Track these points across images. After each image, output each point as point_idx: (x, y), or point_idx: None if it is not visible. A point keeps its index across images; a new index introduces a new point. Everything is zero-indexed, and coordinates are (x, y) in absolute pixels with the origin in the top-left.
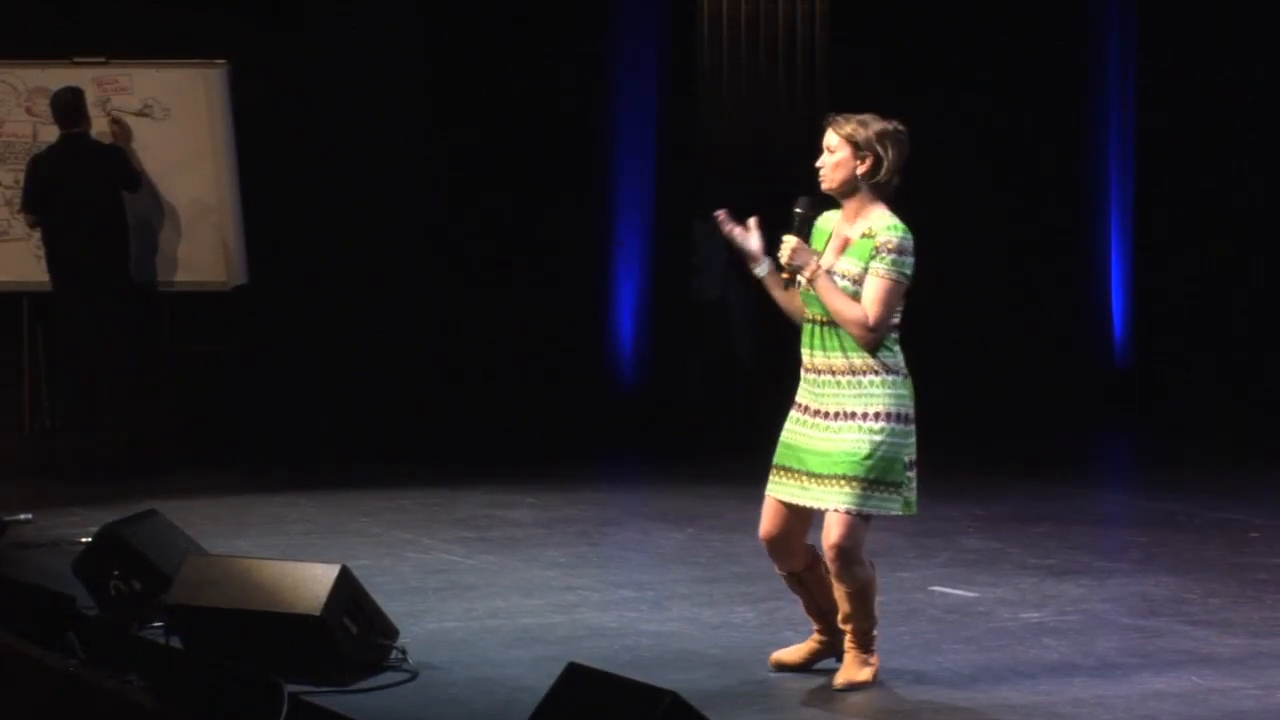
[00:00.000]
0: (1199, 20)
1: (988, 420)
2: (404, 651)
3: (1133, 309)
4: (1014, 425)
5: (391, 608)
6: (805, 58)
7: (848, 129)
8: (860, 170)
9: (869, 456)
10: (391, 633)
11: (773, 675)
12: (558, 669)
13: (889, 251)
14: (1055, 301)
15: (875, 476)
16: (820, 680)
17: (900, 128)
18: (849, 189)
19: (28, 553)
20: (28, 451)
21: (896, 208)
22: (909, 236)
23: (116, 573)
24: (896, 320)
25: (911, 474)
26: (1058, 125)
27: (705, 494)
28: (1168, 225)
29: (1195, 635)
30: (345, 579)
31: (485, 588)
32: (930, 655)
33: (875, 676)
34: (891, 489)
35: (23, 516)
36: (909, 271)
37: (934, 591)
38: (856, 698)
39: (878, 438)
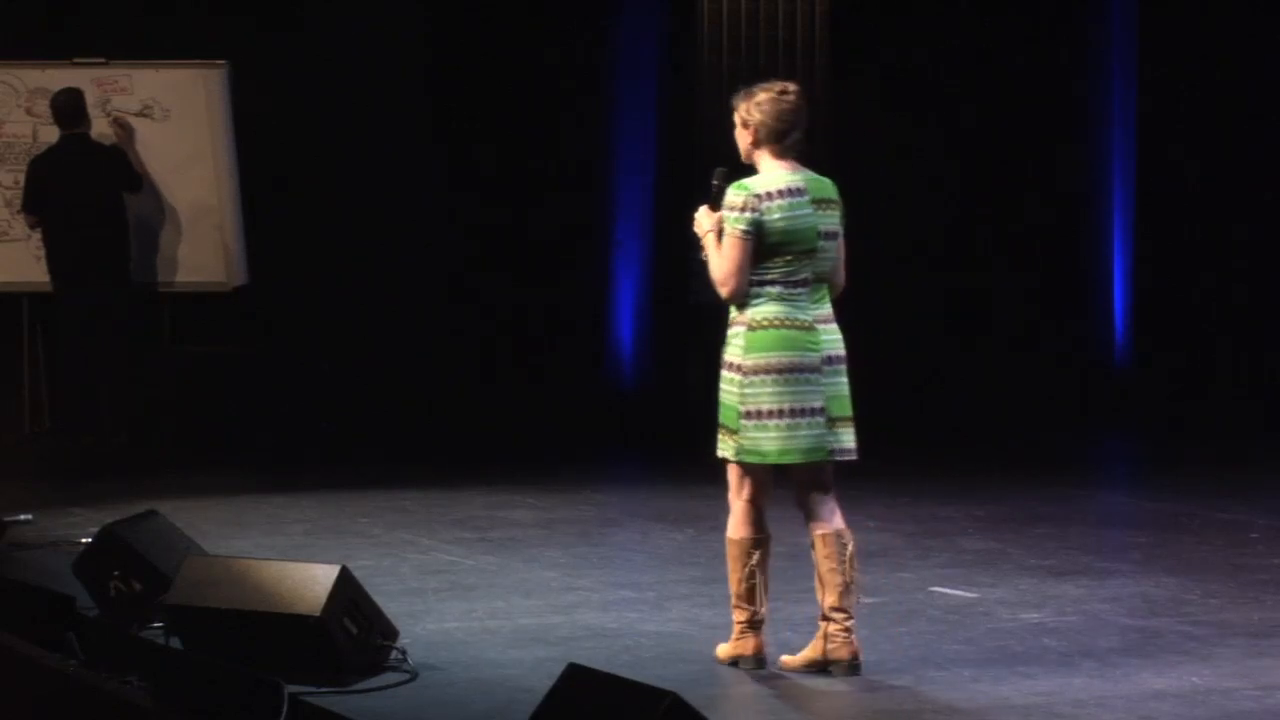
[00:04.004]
0: (1201, 20)
1: (988, 420)
2: (404, 652)
3: (1133, 309)
4: (1014, 425)
5: (391, 608)
6: (805, 58)
7: (737, 104)
8: (749, 140)
9: (718, 405)
10: (391, 633)
11: (773, 675)
12: (558, 669)
13: (725, 210)
14: (1055, 302)
15: (720, 422)
16: (821, 681)
17: (786, 89)
18: (750, 158)
19: (28, 553)
20: (28, 451)
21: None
22: (742, 191)
23: (116, 573)
24: (773, 275)
25: (752, 422)
26: (1059, 124)
27: (705, 494)
28: (1169, 225)
29: (1195, 635)
30: (345, 580)
31: (485, 588)
32: (930, 655)
33: (734, 658)
34: (727, 434)
35: (23, 516)
36: (744, 226)
37: (934, 592)
38: (857, 698)
39: (722, 386)
